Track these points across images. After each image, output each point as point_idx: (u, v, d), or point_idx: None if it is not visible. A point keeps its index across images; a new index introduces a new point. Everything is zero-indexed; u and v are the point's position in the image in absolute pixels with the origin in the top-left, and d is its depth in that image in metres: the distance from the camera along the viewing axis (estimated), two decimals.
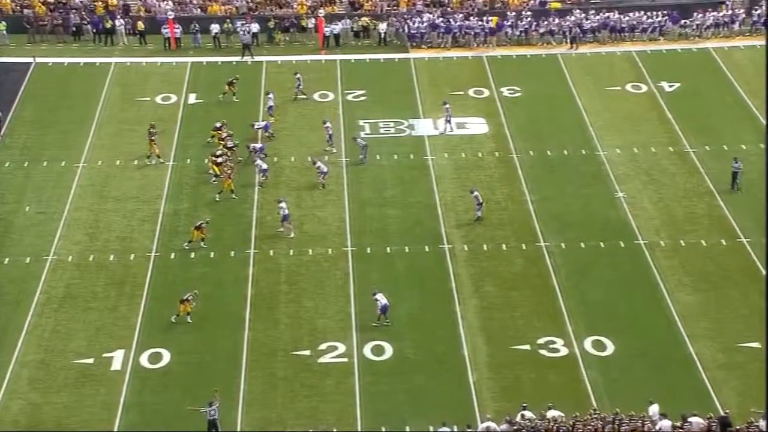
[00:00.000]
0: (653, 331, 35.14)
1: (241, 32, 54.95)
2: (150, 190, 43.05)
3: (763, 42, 52.73)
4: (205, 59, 54.45)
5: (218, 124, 46.16)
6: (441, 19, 56.04)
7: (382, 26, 55.94)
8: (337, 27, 55.93)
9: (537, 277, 37.78)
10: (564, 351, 34.22)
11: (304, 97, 50.09)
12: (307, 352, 34.13)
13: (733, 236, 39.62)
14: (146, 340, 34.66)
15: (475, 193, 40.67)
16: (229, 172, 42.27)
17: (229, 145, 44.61)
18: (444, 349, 34.36)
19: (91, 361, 33.79)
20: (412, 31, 55.83)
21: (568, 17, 56.06)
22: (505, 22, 56.10)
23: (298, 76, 49.96)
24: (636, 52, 54.54)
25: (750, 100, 48.77)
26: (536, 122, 48.22)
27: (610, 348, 34.31)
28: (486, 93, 50.88)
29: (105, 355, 34.01)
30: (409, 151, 45.84)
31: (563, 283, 37.38)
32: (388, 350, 34.24)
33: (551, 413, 30.84)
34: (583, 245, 39.40)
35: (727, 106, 48.77)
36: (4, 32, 55.45)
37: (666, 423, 30.28)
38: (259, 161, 43.22)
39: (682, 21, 56.19)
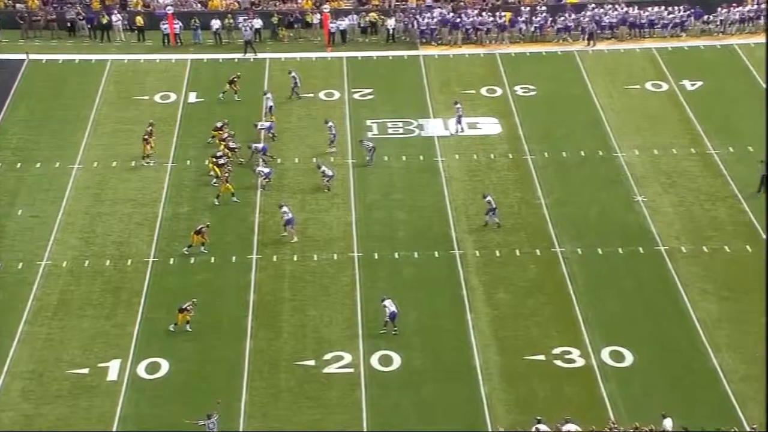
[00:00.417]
0: (674, 341, 35.10)
1: (244, 28, 55.07)
2: (148, 192, 43.17)
3: None
4: (205, 56, 54.58)
5: (219, 124, 46.26)
6: (452, 14, 56.10)
7: (391, 22, 56.00)
8: (343, 23, 56.01)
9: (552, 284, 37.78)
10: (580, 362, 34.21)
11: (309, 95, 50.13)
12: (311, 362, 34.18)
13: (758, 242, 39.57)
14: (144, 350, 34.74)
15: (488, 198, 40.67)
16: (226, 175, 42.33)
17: (231, 146, 44.71)
18: (454, 359, 34.37)
19: (86, 371, 33.87)
20: (422, 27, 55.88)
21: (584, 12, 56.06)
22: (519, 17, 56.13)
23: (293, 75, 49.97)
24: (656, 48, 54.51)
25: None
26: (551, 122, 48.22)
27: (629, 359, 34.29)
28: (499, 92, 50.90)
29: (100, 365, 34.10)
30: (418, 153, 45.88)
31: (579, 290, 37.37)
32: (396, 360, 34.26)
33: (567, 427, 30.84)
34: (600, 251, 39.38)
35: (752, 106, 48.67)
36: None
37: None
38: (260, 167, 43.17)
39: (705, 16, 56.16)
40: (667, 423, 30.68)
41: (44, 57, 54.13)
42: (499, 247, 39.64)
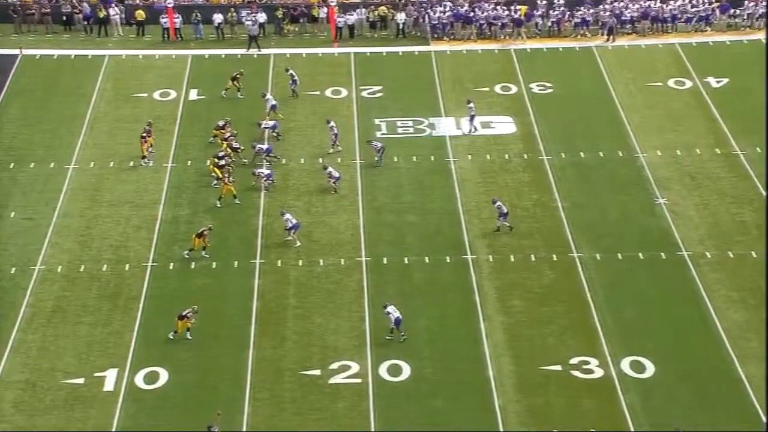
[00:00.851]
0: (698, 350, 35.06)
1: (247, 22, 55.20)
2: (147, 194, 43.30)
3: None
4: (207, 52, 54.73)
5: (221, 123, 46.37)
6: (465, 8, 56.14)
7: (401, 16, 56.09)
8: (351, 17, 56.11)
9: (569, 290, 37.78)
10: (599, 372, 34.20)
11: (315, 93, 50.20)
12: (317, 372, 34.23)
13: None
14: (142, 359, 34.83)
15: (498, 203, 40.66)
16: (226, 176, 42.41)
17: (233, 146, 44.82)
18: (467, 369, 34.39)
19: (81, 381, 33.97)
20: (434, 22, 55.96)
21: (604, 6, 56.05)
22: (535, 11, 56.15)
23: (291, 72, 49.98)
24: (680, 44, 54.47)
25: None
26: (569, 122, 48.21)
27: (650, 369, 34.26)
28: (514, 89, 50.92)
29: (97, 374, 34.20)
30: (429, 153, 45.93)
31: (598, 297, 37.36)
32: (406, 370, 34.30)
33: None
34: (620, 256, 39.36)
35: None
36: None
37: None
38: (259, 169, 43.18)
39: (732, 10, 56.08)
40: None
41: (38, 52, 54.34)
42: (514, 251, 39.65)
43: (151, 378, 34.09)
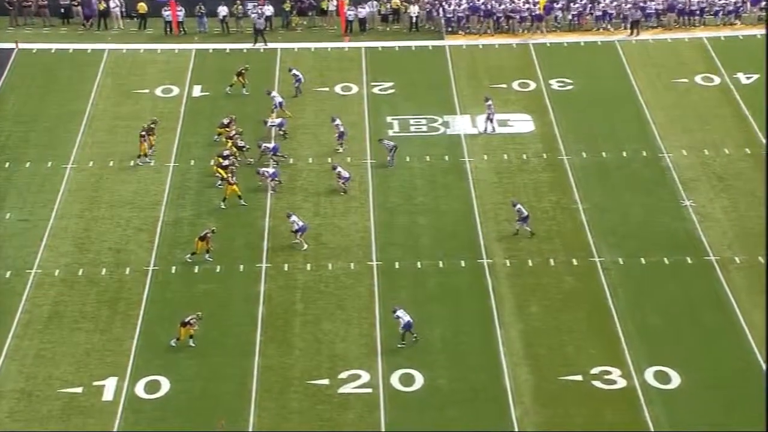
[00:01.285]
0: (726, 360, 34.97)
1: (253, 15, 55.35)
2: (148, 194, 43.43)
3: None
4: (211, 46, 54.89)
5: (226, 121, 46.50)
6: (481, 0, 56.16)
7: (414, 9, 56.15)
8: (362, 10, 56.19)
9: (590, 296, 37.75)
10: (621, 383, 34.16)
11: (324, 89, 50.27)
12: (325, 382, 34.28)
13: None
14: (142, 367, 34.90)
15: (518, 206, 40.65)
16: (230, 176, 42.49)
17: (238, 145, 44.93)
18: (482, 378, 34.39)
19: (79, 390, 34.06)
20: (449, 15, 56.00)
21: None
22: (555, 4, 56.18)
23: (294, 72, 50.00)
24: (707, 38, 54.42)
25: None
26: (590, 120, 48.20)
27: (676, 380, 34.20)
28: (532, 86, 50.92)
29: (95, 383, 34.28)
30: (443, 152, 45.97)
31: (620, 304, 37.32)
32: (419, 380, 34.32)
33: None
34: (643, 261, 39.32)
35: None
36: None
37: None
38: (263, 168, 43.23)
39: (763, 2, 55.95)
40: None
41: (35, 46, 54.59)
42: (532, 255, 39.64)
43: (152, 387, 34.16)
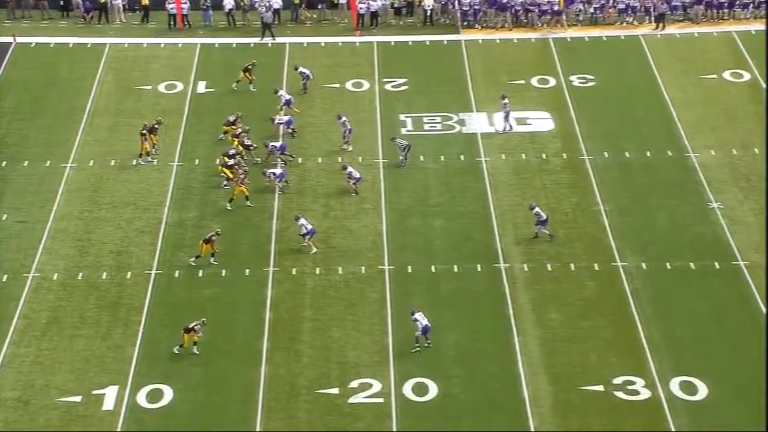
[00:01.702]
0: (756, 370, 34.81)
1: (261, 8, 55.44)
2: (150, 195, 43.55)
3: None
4: (217, 40, 55.01)
5: (232, 118, 46.60)
6: None
7: (429, 2, 56.18)
8: (374, 3, 56.25)
9: (612, 303, 37.72)
10: (645, 393, 34.12)
11: (334, 85, 50.34)
12: (335, 391, 34.32)
13: None
14: (144, 375, 34.98)
15: (536, 209, 40.63)
16: (242, 176, 42.56)
17: (245, 143, 45.04)
18: (499, 388, 34.39)
19: (78, 399, 34.13)
20: (464, 8, 56.02)
21: None
22: None
23: (301, 70, 49.98)
24: (737, 32, 54.32)
25: None
26: (612, 118, 48.17)
27: (703, 391, 34.15)
28: (552, 82, 50.91)
29: (95, 392, 34.35)
30: (458, 152, 46.00)
31: (644, 311, 37.28)
32: (432, 389, 34.34)
33: None
34: (668, 266, 39.28)
35: None
36: None
37: None
38: (270, 169, 43.23)
39: None
40: None
41: (33, 40, 54.78)
42: (551, 260, 39.63)
43: (155, 396, 34.23)
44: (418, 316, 35.54)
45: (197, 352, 35.69)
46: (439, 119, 48.27)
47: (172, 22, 56.10)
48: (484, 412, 33.50)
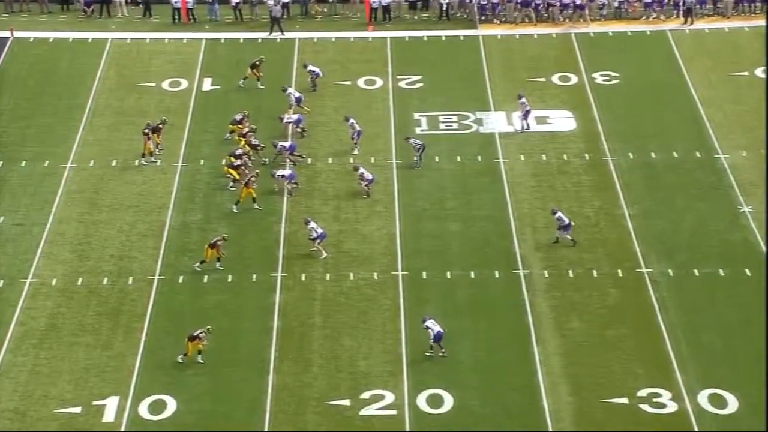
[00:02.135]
0: None
1: (269, 2, 55.52)
2: (153, 197, 43.67)
3: None
4: (223, 35, 55.14)
5: (238, 117, 46.71)
6: None
7: None
8: None
9: (637, 311, 37.69)
10: (672, 407, 34.08)
11: (346, 83, 50.40)
12: (346, 402, 34.35)
13: None
14: (146, 385, 35.06)
15: (558, 213, 40.62)
16: (252, 177, 42.59)
17: (252, 143, 45.13)
18: (518, 400, 34.39)
19: (77, 410, 34.21)
20: (482, 2, 56.03)
21: None
22: None
23: (310, 68, 50.02)
24: None
25: None
26: (638, 117, 48.14)
27: (733, 404, 34.08)
28: (574, 79, 50.91)
29: (95, 402, 34.43)
30: (475, 152, 46.03)
31: (671, 320, 37.25)
32: (448, 401, 34.34)
33: None
34: (696, 273, 39.23)
35: None
36: None
37: None
38: (279, 171, 43.29)
39: None
40: None
41: (32, 35, 54.96)
42: (573, 266, 39.62)
43: (157, 407, 34.30)
44: (430, 323, 35.58)
45: (202, 361, 35.76)
46: (455, 118, 48.30)
47: (176, 17, 56.26)
48: (502, 425, 33.50)
